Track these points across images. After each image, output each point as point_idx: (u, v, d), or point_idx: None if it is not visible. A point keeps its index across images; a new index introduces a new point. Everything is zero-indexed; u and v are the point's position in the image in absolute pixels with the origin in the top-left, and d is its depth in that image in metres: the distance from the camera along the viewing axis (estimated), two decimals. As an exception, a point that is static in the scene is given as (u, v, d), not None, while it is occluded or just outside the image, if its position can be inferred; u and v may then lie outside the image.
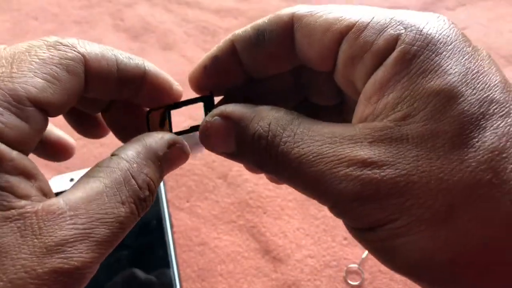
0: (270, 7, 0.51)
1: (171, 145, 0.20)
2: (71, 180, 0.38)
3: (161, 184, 0.38)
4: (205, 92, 0.23)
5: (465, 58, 0.17)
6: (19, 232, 0.15)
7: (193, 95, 0.23)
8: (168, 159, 0.20)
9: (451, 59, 0.16)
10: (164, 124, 0.23)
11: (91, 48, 0.20)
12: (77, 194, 0.17)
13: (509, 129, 0.15)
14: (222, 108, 0.20)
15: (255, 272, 0.35)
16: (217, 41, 0.55)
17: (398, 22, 0.18)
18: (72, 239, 0.16)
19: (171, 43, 0.49)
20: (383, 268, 0.35)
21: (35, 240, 0.15)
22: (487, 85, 0.16)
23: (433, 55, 0.16)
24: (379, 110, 0.17)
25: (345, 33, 0.18)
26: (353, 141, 0.16)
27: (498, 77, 0.16)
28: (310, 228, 0.37)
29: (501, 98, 0.16)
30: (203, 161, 0.41)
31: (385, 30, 0.17)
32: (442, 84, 0.16)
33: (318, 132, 0.17)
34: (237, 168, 0.40)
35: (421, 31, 0.17)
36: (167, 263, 0.34)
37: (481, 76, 0.16)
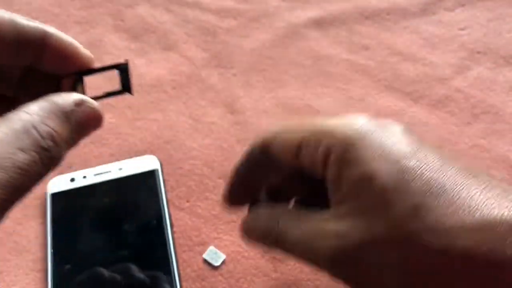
0: (270, 7, 0.51)
1: (80, 104, 0.20)
2: (72, 180, 0.38)
3: (161, 184, 0.38)
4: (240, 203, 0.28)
5: (378, 143, 0.21)
6: None
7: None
8: (77, 117, 0.20)
9: (367, 149, 0.21)
10: (77, 91, 0.23)
11: None
12: None
13: (421, 188, 0.20)
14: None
15: (255, 272, 0.35)
16: (217, 41, 0.55)
17: (330, 136, 0.23)
18: None
19: (172, 43, 0.49)
20: (383, 267, 0.35)
21: None
22: (397, 158, 0.20)
23: (354, 150, 0.21)
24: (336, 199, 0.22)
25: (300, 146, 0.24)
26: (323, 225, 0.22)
27: (408, 148, 0.21)
28: (310, 228, 0.37)
29: (412, 164, 0.20)
30: (203, 161, 0.41)
31: (321, 145, 0.23)
32: (360, 171, 0.21)
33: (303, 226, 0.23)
34: (237, 168, 0.40)
35: (344, 139, 0.22)
36: (167, 263, 0.34)
37: (392, 150, 0.21)
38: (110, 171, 0.39)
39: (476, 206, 0.19)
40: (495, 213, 0.19)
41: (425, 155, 0.21)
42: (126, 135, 0.43)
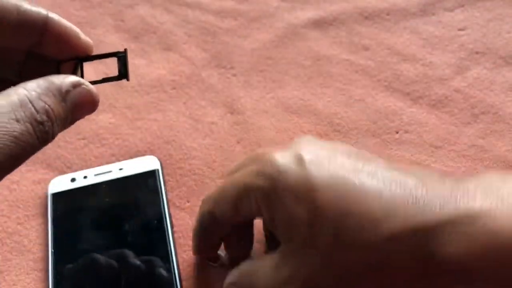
0: (270, 7, 0.51)
1: (76, 85, 0.21)
2: (73, 180, 0.39)
3: (162, 184, 0.38)
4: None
5: (294, 181, 0.24)
6: None
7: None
8: (73, 97, 0.21)
9: (286, 192, 0.24)
10: (77, 74, 0.23)
11: None
12: None
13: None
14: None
15: (255, 271, 0.35)
16: (217, 42, 0.55)
17: (256, 186, 0.26)
18: None
19: (172, 43, 0.49)
20: (382, 267, 0.35)
21: None
22: (310, 192, 0.23)
23: (276, 196, 0.24)
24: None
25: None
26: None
27: (322, 179, 0.23)
28: (310, 228, 0.37)
29: (324, 195, 0.23)
30: (203, 161, 0.41)
31: (252, 196, 0.26)
32: (284, 215, 0.24)
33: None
34: (237, 168, 0.40)
35: (268, 185, 0.25)
36: (167, 263, 0.34)
37: (306, 185, 0.24)
38: (110, 171, 0.39)
39: (386, 218, 0.22)
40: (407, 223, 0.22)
41: (337, 181, 0.23)
42: (126, 135, 0.43)
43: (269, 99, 0.45)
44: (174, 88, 0.46)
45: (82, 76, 0.23)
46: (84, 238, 0.36)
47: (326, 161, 0.24)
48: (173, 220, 0.37)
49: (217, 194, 0.29)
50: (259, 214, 0.26)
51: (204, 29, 0.50)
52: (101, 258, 0.34)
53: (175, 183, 0.40)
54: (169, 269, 0.34)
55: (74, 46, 0.23)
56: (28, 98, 0.19)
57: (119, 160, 0.41)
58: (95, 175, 0.39)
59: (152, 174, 0.39)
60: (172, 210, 0.38)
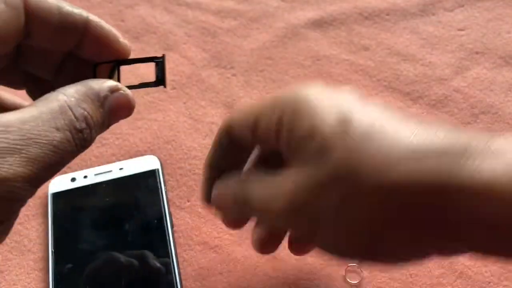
0: (269, 8, 0.51)
1: (114, 91, 0.21)
2: (73, 180, 0.39)
3: (162, 183, 0.38)
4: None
5: (322, 103, 0.22)
6: None
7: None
8: (111, 103, 0.21)
9: (311, 109, 0.22)
10: (112, 79, 0.23)
11: None
12: (10, 115, 0.18)
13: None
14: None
15: (255, 271, 0.35)
16: (217, 42, 0.55)
17: (281, 105, 0.23)
18: (1, 151, 0.17)
19: (172, 43, 0.49)
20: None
21: None
22: (337, 110, 0.21)
23: (300, 112, 0.22)
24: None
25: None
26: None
27: (349, 102, 0.22)
28: (310, 228, 0.37)
29: (350, 114, 0.21)
30: (203, 160, 0.41)
31: (274, 114, 0.23)
32: (304, 128, 0.21)
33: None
34: (237, 168, 0.40)
35: (294, 104, 0.23)
36: (167, 262, 0.34)
37: (333, 106, 0.22)
38: (111, 171, 0.39)
39: (412, 138, 0.20)
40: (435, 141, 0.19)
41: (364, 107, 0.22)
42: (126, 135, 0.43)
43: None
44: (174, 88, 0.46)
45: (118, 80, 0.23)
46: (84, 237, 0.36)
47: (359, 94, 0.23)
48: (173, 220, 0.37)
49: (242, 110, 0.26)
50: (269, 141, 0.24)
51: (204, 29, 0.50)
52: (100, 258, 0.35)
53: (175, 183, 0.40)
54: (169, 269, 0.34)
55: (113, 49, 0.23)
56: (68, 105, 0.19)
57: (119, 160, 0.41)
58: (95, 174, 0.39)
59: (152, 173, 0.39)
60: (172, 210, 0.38)
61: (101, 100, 0.20)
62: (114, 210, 0.37)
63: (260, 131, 0.24)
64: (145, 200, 0.38)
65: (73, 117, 0.19)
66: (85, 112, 0.20)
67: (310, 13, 0.51)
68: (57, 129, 0.19)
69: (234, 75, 0.47)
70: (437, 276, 0.34)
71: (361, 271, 0.35)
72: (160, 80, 0.24)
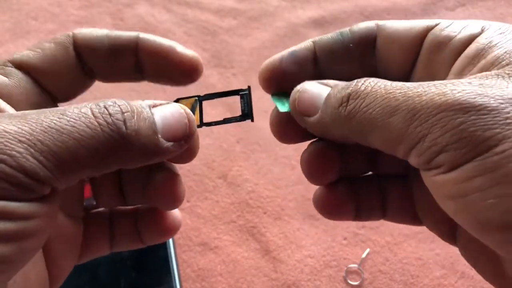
0: (270, 7, 0.51)
1: (164, 104, 0.19)
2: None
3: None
4: (273, 88, 0.22)
5: None
6: None
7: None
8: (162, 110, 0.19)
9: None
10: (194, 114, 0.21)
11: (81, 29, 0.21)
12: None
13: None
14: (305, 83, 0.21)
15: (255, 272, 0.35)
16: (217, 41, 0.55)
17: (478, 22, 0.19)
18: None
19: (171, 43, 0.49)
20: (383, 268, 0.35)
21: None
22: None
23: None
24: (477, 70, 0.17)
25: (430, 28, 0.19)
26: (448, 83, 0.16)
27: None
28: (310, 229, 0.37)
29: None
30: (203, 161, 0.41)
31: (469, 25, 0.18)
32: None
33: (397, 85, 0.17)
34: (237, 168, 0.40)
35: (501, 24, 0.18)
36: (167, 263, 0.34)
37: None
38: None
39: None
40: None
41: None
42: (125, 135, 0.43)
43: (269, 99, 0.45)
44: (174, 88, 0.46)
45: (201, 115, 0.21)
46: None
47: None
48: (173, 221, 0.37)
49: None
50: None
51: (203, 28, 0.50)
52: (100, 259, 0.34)
53: (174, 183, 0.40)
54: (169, 270, 0.34)
55: (173, 61, 0.21)
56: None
57: (118, 160, 0.41)
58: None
59: (151, 174, 0.39)
60: (171, 210, 0.38)
61: (144, 104, 0.18)
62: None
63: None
64: (144, 200, 0.37)
65: (99, 102, 0.17)
66: (116, 100, 0.17)
67: (311, 12, 0.50)
68: (73, 106, 0.16)
69: (234, 74, 0.46)
70: (438, 277, 0.34)
71: (362, 272, 0.34)
72: (246, 114, 0.22)
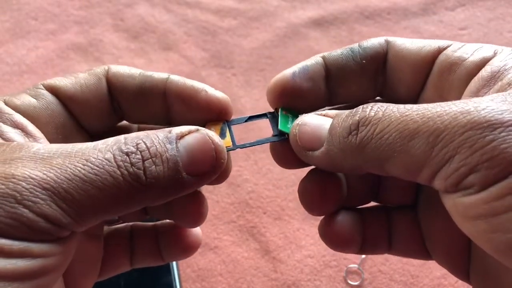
0: (270, 7, 0.51)
1: (193, 131, 0.18)
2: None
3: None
4: (282, 105, 0.22)
5: None
6: None
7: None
8: (188, 141, 0.18)
9: None
10: (225, 137, 0.21)
11: (117, 66, 0.22)
12: None
13: None
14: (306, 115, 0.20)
15: (255, 272, 0.35)
16: (217, 41, 0.55)
17: (490, 46, 0.19)
18: (22, 160, 0.16)
19: (171, 43, 0.49)
20: (383, 268, 0.35)
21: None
22: None
23: None
24: (494, 91, 0.17)
25: (442, 49, 0.19)
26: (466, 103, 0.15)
27: None
28: (310, 229, 0.37)
29: None
30: (203, 161, 0.41)
31: (481, 48, 0.19)
32: None
33: (412, 107, 0.16)
34: (237, 168, 0.40)
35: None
36: (167, 263, 0.34)
37: None
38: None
39: None
40: None
41: None
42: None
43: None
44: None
45: (232, 137, 0.21)
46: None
47: None
48: (173, 221, 0.37)
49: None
50: None
51: (203, 28, 0.50)
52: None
53: (174, 183, 0.40)
54: (169, 270, 0.34)
55: (200, 103, 0.21)
56: (124, 136, 0.17)
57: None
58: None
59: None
60: (171, 211, 0.38)
61: (171, 137, 0.17)
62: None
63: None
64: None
65: (122, 140, 0.17)
66: (139, 140, 0.17)
67: (311, 12, 0.50)
68: (97, 149, 0.16)
69: (234, 74, 0.47)
70: (438, 277, 0.34)
71: (362, 272, 0.34)
72: (282, 133, 0.21)
